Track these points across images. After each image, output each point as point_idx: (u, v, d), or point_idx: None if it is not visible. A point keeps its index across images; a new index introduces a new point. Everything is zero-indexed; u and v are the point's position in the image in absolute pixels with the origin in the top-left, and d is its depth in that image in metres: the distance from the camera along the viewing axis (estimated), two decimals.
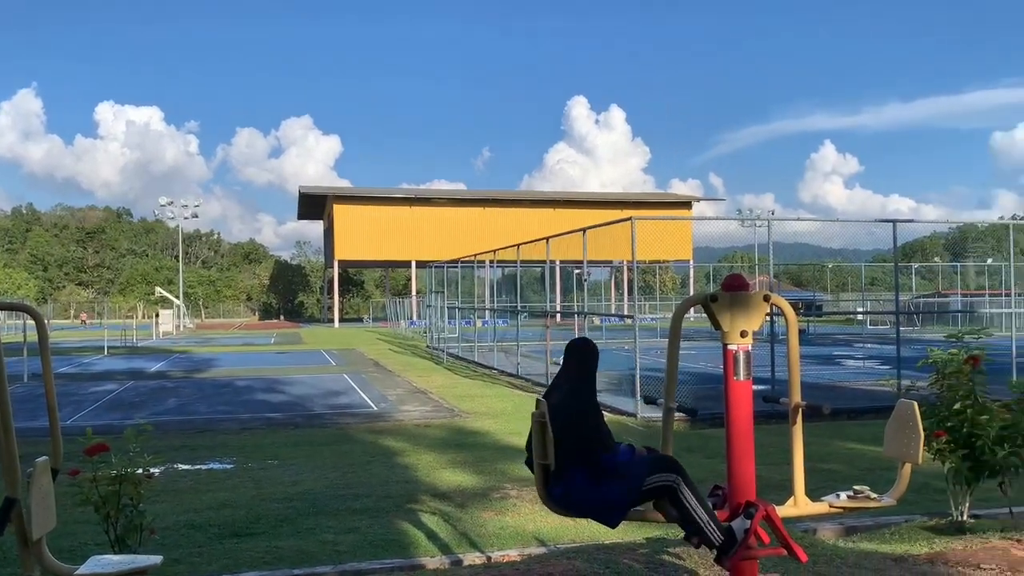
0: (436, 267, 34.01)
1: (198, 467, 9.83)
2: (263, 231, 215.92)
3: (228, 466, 9.88)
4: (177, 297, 63.85)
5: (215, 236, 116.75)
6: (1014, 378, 10.07)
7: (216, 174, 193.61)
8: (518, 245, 22.17)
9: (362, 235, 62.19)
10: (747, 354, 3.99)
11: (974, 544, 5.21)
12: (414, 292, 59.77)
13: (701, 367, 19.58)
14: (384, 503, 7.52)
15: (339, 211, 63.50)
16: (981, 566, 4.73)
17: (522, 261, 23.20)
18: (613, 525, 3.93)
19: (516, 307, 25.38)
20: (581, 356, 4.12)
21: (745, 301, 3.98)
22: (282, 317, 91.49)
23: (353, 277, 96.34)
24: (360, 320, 75.64)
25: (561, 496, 3.91)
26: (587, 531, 6.21)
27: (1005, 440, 5.89)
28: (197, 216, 70.92)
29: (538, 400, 3.86)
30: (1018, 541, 5.24)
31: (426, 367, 24.43)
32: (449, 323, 30.95)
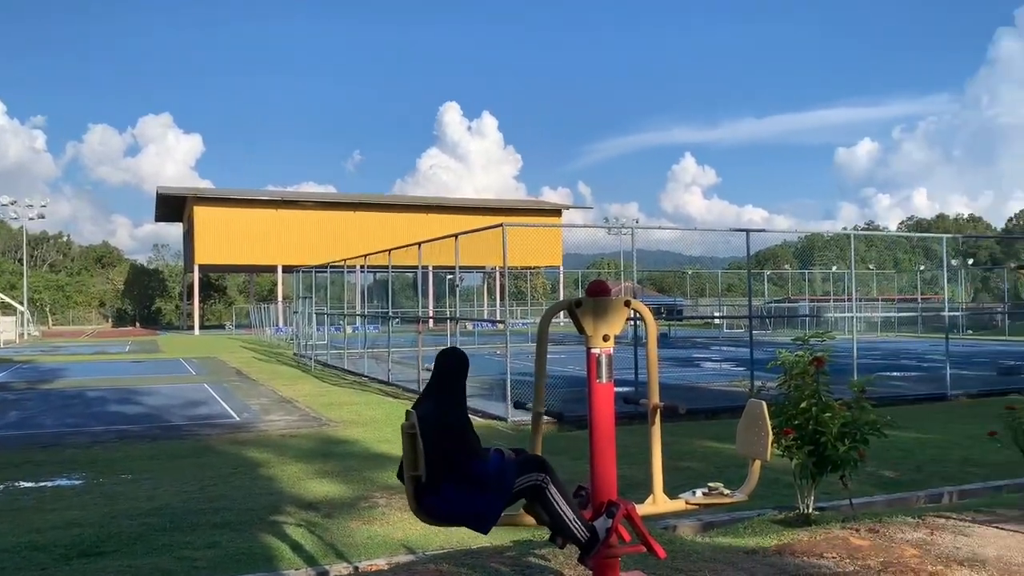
0: (304, 272, 33.19)
1: (43, 484, 9.17)
2: (117, 233, 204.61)
3: (77, 482, 9.27)
4: (21, 303, 59.37)
5: (64, 238, 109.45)
6: (854, 378, 10.81)
7: (66, 172, 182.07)
8: (390, 250, 21.96)
9: (225, 238, 59.87)
10: (609, 357, 4.10)
11: (818, 535, 5.55)
12: (280, 297, 58.11)
13: (570, 371, 19.99)
14: (247, 516, 7.26)
15: (200, 213, 60.88)
16: (824, 555, 5.05)
17: (394, 266, 22.99)
18: (486, 532, 3.96)
19: (387, 313, 25.10)
20: (450, 366, 4.13)
21: (607, 306, 4.10)
22: (138, 324, 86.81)
23: (215, 282, 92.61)
24: (222, 327, 72.76)
25: (433, 507, 3.91)
26: (455, 537, 6.21)
27: (846, 436, 6.31)
28: (44, 217, 66.20)
29: (408, 412, 3.84)
30: (856, 530, 5.62)
31: (293, 375, 23.78)
32: (317, 329, 30.27)
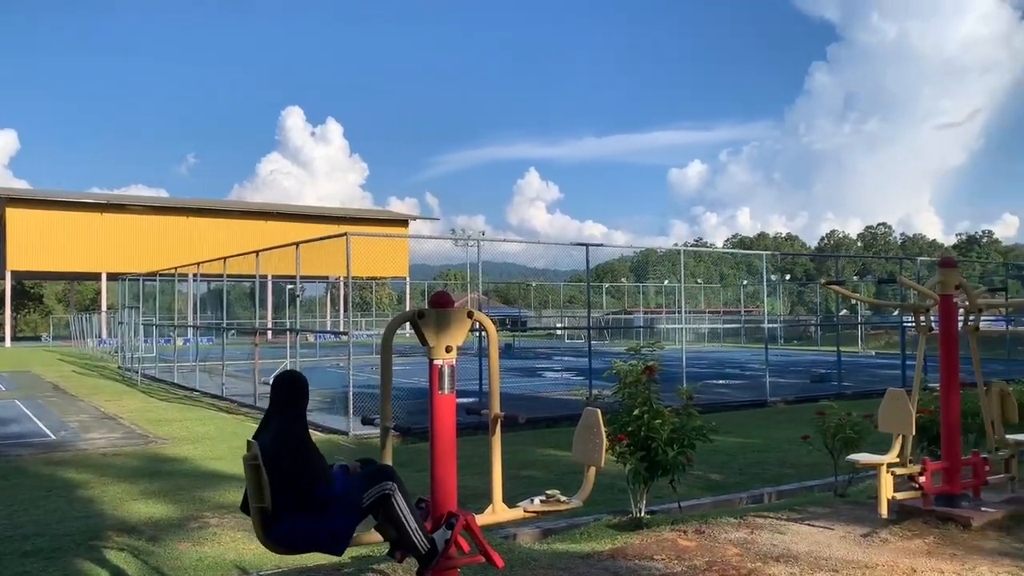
0: (131, 280, 31.24)
1: None
2: None
3: None
4: None
5: None
6: (683, 386, 11.40)
7: None
8: (225, 258, 21.06)
9: (42, 243, 55.27)
10: (452, 369, 4.12)
11: (649, 538, 5.79)
12: (104, 307, 54.34)
13: (415, 382, 19.88)
14: (62, 542, 6.71)
15: (13, 215, 55.92)
16: (654, 557, 5.27)
17: (230, 275, 22.06)
18: (339, 553, 3.93)
19: (222, 324, 24.05)
20: (290, 391, 4.03)
21: (450, 318, 4.11)
22: None
23: (30, 290, 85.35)
24: (38, 339, 67.14)
25: (283, 537, 3.82)
26: (292, 556, 6.00)
27: (675, 441, 6.63)
28: None
29: (249, 442, 3.72)
30: (684, 532, 5.91)
31: (117, 390, 22.27)
32: (145, 341, 28.53)
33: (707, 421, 7.20)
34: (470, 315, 4.21)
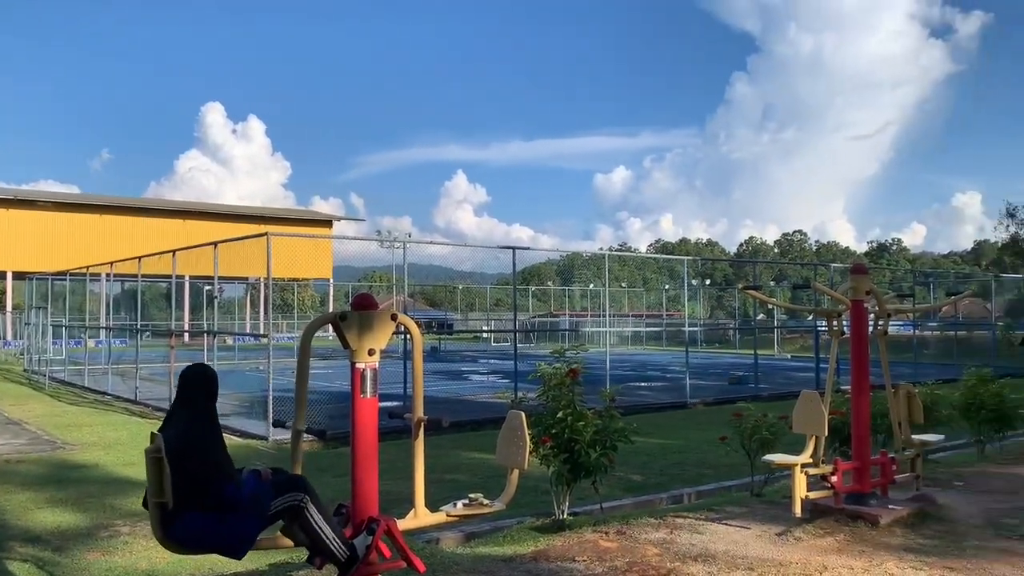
0: (38, 279, 29.95)
1: None
2: None
3: None
4: None
5: None
6: (607, 388, 11.53)
7: None
8: (140, 257, 20.37)
9: None
10: (374, 372, 4.06)
11: (571, 539, 5.83)
12: (9, 307, 51.89)
13: (337, 386, 19.58)
14: None
15: None
16: (575, 559, 5.31)
17: (145, 275, 21.35)
18: (239, 557, 3.79)
19: (136, 325, 23.25)
20: (197, 384, 3.91)
21: (373, 320, 4.06)
22: None
23: None
24: None
25: (181, 535, 3.68)
26: (206, 563, 5.84)
27: (597, 443, 6.69)
28: None
29: (153, 434, 3.58)
30: (606, 533, 5.97)
31: (22, 394, 21.29)
32: (54, 343, 27.35)
33: (629, 423, 7.29)
34: (394, 317, 4.16)
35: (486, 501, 4.35)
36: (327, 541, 3.75)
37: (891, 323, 7.67)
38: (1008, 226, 59.82)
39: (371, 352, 4.04)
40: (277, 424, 4.63)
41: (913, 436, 7.16)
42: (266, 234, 13.92)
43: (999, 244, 63.57)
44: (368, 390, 4.04)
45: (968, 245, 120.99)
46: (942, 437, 8.27)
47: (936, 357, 31.50)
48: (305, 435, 4.21)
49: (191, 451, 3.67)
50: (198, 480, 3.64)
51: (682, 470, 10.71)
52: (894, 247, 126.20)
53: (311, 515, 3.74)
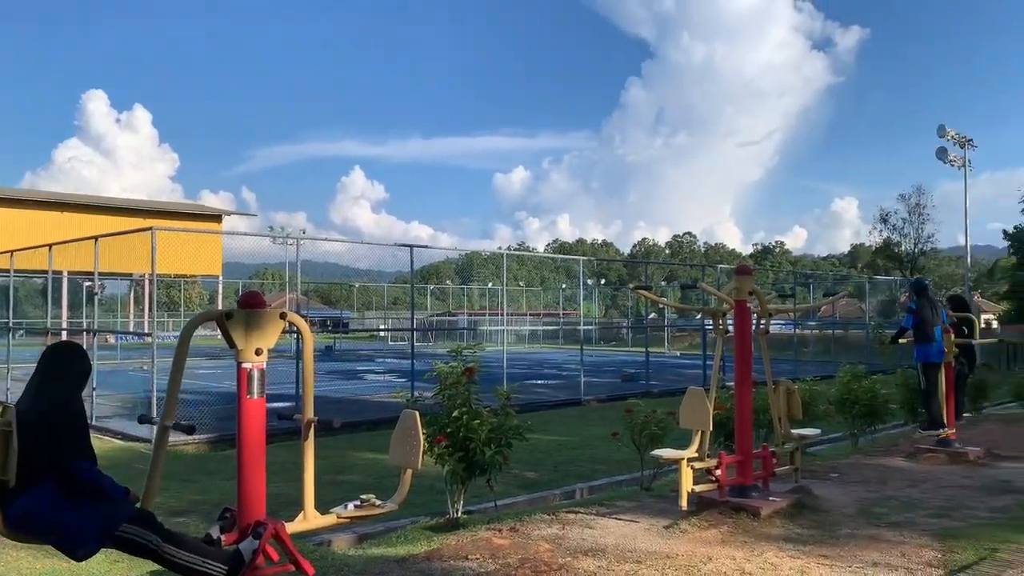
0: None
1: None
2: None
3: None
4: None
5: None
6: (503, 386, 11.60)
7: None
8: (12, 251, 19.19)
9: None
10: (261, 372, 3.95)
11: (465, 538, 5.83)
12: None
13: (226, 387, 18.97)
14: None
15: None
16: (469, 557, 5.31)
17: (19, 270, 20.11)
18: (80, 558, 3.44)
19: (9, 323, 21.88)
20: (58, 356, 3.67)
21: (261, 319, 3.94)
22: None
23: None
24: None
25: (20, 516, 3.33)
26: (67, 570, 5.55)
27: (492, 441, 6.72)
28: None
29: (6, 407, 3.34)
30: (499, 531, 6.00)
31: None
32: None
33: (524, 420, 7.35)
34: (283, 316, 4.06)
35: (378, 502, 4.29)
36: (198, 568, 3.55)
37: (773, 322, 8.01)
38: (881, 231, 63.62)
39: (258, 352, 3.92)
40: (143, 420, 4.36)
41: (792, 430, 7.49)
42: (151, 228, 13.37)
43: (873, 248, 67.44)
44: (255, 391, 3.92)
45: (845, 248, 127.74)
46: (819, 431, 8.69)
47: (815, 355, 33.10)
48: (190, 437, 4.05)
49: (41, 419, 3.38)
50: (48, 453, 3.35)
51: (575, 466, 10.89)
52: (777, 249, 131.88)
53: (170, 554, 3.50)
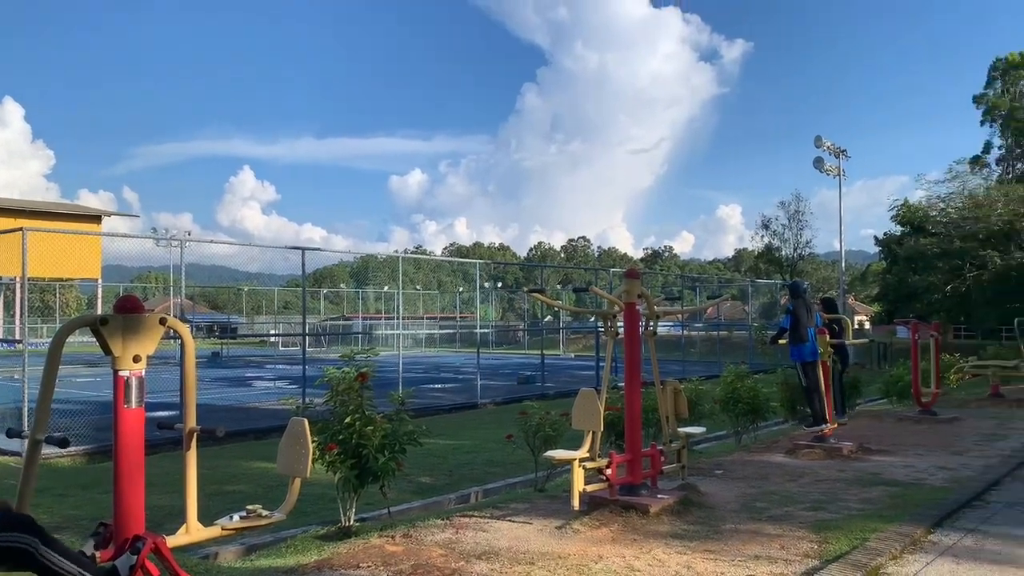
0: None
1: None
2: None
3: None
4: None
5: None
6: (399, 391, 11.50)
7: None
8: None
9: None
10: (140, 380, 3.78)
11: (357, 546, 5.74)
12: None
13: (106, 396, 18.09)
14: None
15: None
16: (360, 565, 5.23)
17: None
18: None
19: None
20: None
21: (139, 324, 3.77)
22: None
23: None
24: None
25: None
26: None
27: (386, 447, 6.64)
28: None
29: None
30: (392, 538, 5.94)
31: None
32: None
33: (419, 425, 7.30)
34: (163, 321, 3.89)
35: (265, 512, 4.17)
36: None
37: (661, 324, 8.24)
38: (763, 236, 66.51)
39: (136, 359, 3.75)
40: (12, 434, 4.10)
41: (679, 429, 7.73)
42: (21, 229, 12.61)
43: (755, 252, 70.38)
44: (133, 400, 3.75)
45: (730, 252, 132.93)
46: (704, 429, 9.00)
47: (702, 355, 34.29)
48: (60, 449, 3.83)
49: None
50: None
51: (471, 470, 10.90)
52: (666, 254, 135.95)
53: (48, 559, 3.29)
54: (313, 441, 6.10)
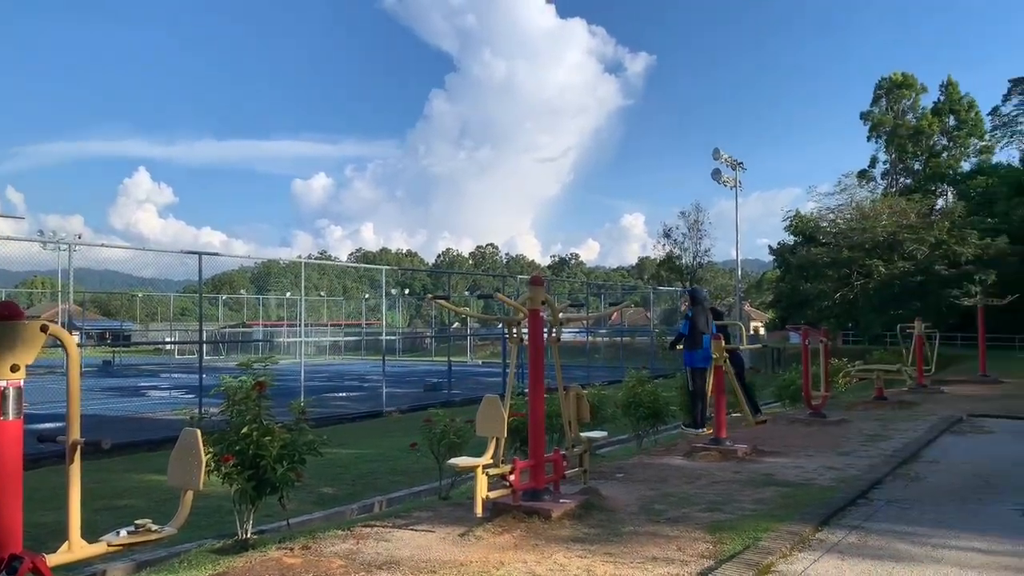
0: None
1: None
2: None
3: None
4: None
5: None
6: (301, 400, 11.28)
7: None
8: None
9: None
10: (18, 390, 3.59)
11: (254, 559, 5.59)
12: None
13: None
14: None
15: None
16: None
17: None
18: None
19: None
20: None
21: (17, 332, 3.58)
22: None
23: None
24: None
25: None
26: None
27: (285, 458, 6.50)
28: None
29: None
30: (291, 550, 5.80)
31: None
32: None
33: (321, 435, 7.16)
34: (44, 329, 3.70)
35: (155, 527, 4.01)
36: None
37: (568, 330, 8.36)
38: (664, 244, 68.39)
39: (14, 368, 3.55)
40: None
41: (582, 434, 7.84)
42: None
43: (657, 260, 72.25)
44: (11, 411, 3.55)
45: (634, 260, 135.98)
46: (605, 433, 9.15)
47: (606, 360, 34.91)
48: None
49: None
50: None
51: (375, 479, 10.78)
52: (573, 261, 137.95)
53: None
54: (208, 452, 5.93)
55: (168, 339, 47.55)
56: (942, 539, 6.16)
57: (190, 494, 4.14)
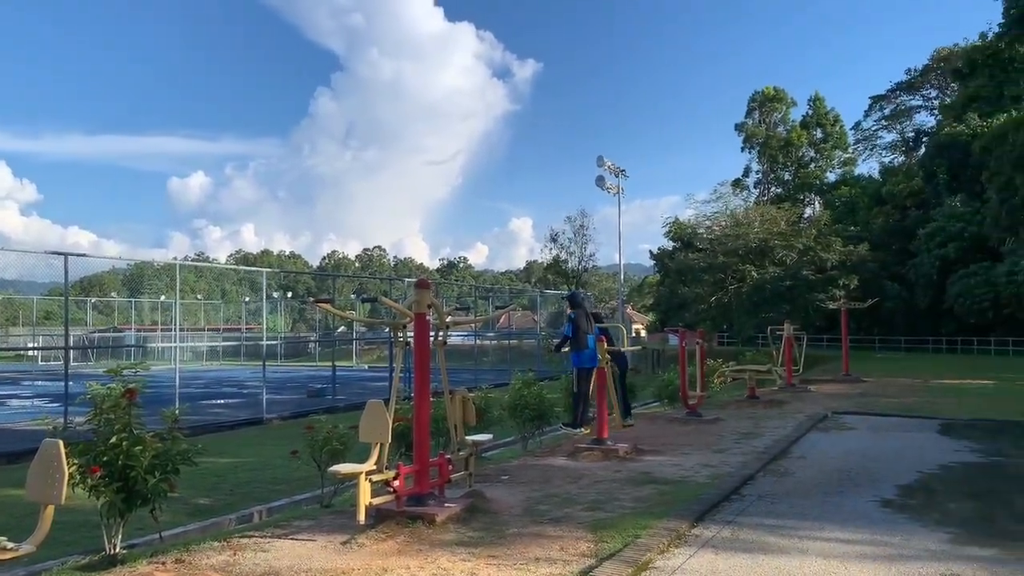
0: None
1: None
2: None
3: None
4: None
5: None
6: (176, 407, 10.82)
7: None
8: None
9: None
10: None
11: (123, 574, 5.33)
12: None
13: None
14: None
15: None
16: None
17: None
18: None
19: None
20: None
21: None
22: None
23: None
24: None
25: None
26: None
27: (157, 468, 6.21)
28: None
29: None
30: (163, 564, 5.57)
31: None
32: None
33: (196, 444, 6.90)
34: None
35: (10, 545, 3.79)
36: None
37: (455, 334, 8.36)
38: (551, 249, 69.52)
39: None
40: None
41: (467, 437, 7.86)
42: None
43: (544, 264, 73.33)
44: None
45: (522, 264, 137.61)
46: (491, 436, 9.22)
47: (494, 363, 35.07)
48: None
49: None
50: None
51: (254, 488, 10.47)
52: (461, 264, 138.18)
53: None
54: (73, 464, 5.61)
55: (31, 344, 44.68)
56: (808, 531, 6.52)
57: (51, 509, 3.93)
